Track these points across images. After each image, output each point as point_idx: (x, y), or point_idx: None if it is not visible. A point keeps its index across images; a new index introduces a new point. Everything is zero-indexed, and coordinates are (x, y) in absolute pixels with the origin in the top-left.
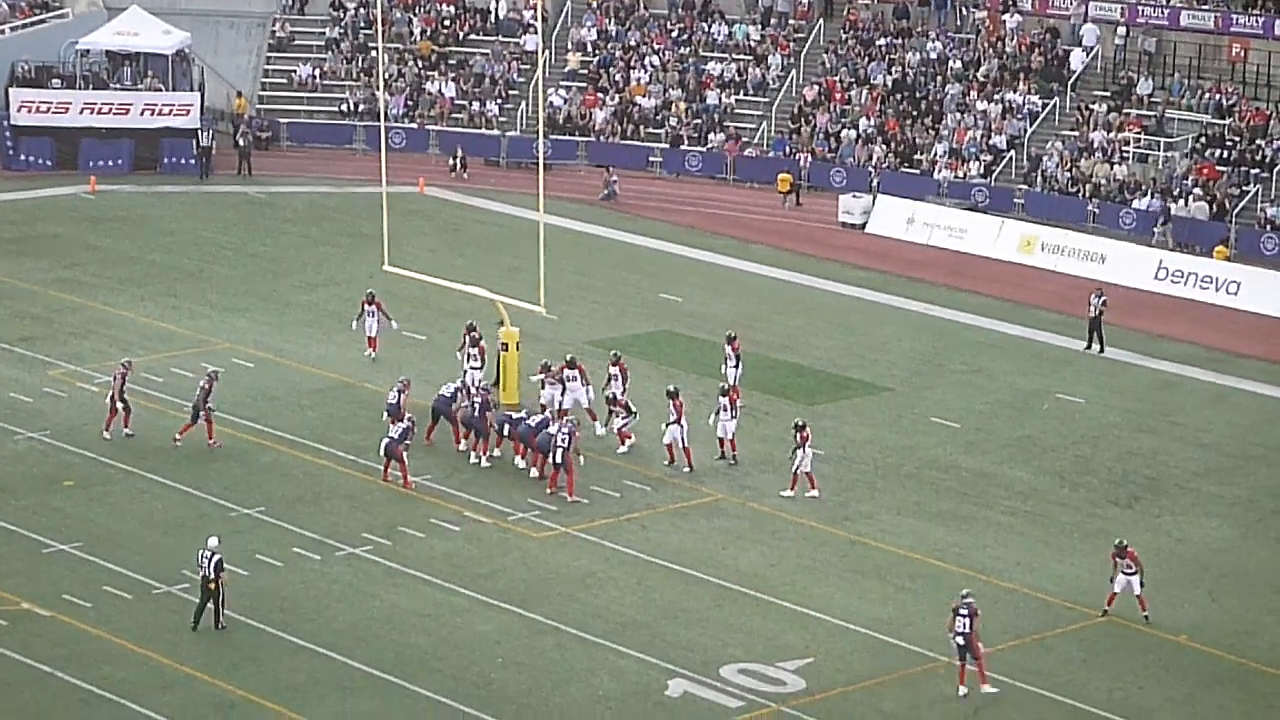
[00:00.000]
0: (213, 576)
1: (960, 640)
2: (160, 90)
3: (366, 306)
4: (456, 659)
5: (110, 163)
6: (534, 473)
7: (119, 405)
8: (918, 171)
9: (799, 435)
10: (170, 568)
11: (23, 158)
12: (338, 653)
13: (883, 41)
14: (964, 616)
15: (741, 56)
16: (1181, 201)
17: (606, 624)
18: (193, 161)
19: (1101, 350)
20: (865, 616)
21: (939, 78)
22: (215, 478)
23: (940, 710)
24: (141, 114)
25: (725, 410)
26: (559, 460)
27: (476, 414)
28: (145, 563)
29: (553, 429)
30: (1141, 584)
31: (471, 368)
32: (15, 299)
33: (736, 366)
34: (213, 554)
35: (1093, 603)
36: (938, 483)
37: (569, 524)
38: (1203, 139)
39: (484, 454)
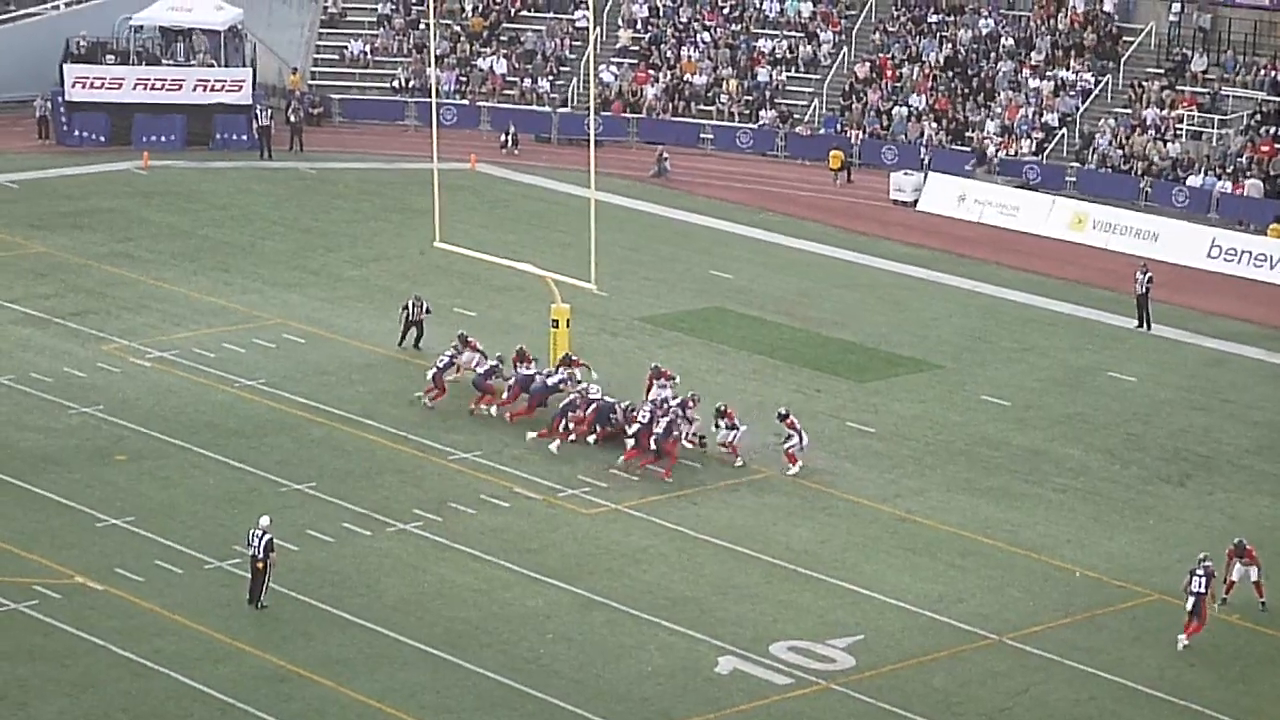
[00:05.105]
0: (262, 556)
1: (1193, 599)
2: (213, 66)
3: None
4: (506, 634)
5: (163, 138)
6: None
7: (440, 384)
8: (969, 149)
9: (784, 423)
10: (221, 542)
11: (77, 133)
12: (388, 627)
13: (935, 18)
14: (1200, 576)
15: (793, 33)
16: (1232, 180)
17: (656, 600)
18: (245, 138)
19: (1148, 327)
20: (916, 593)
21: (991, 54)
22: (266, 452)
23: (990, 687)
24: (194, 90)
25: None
26: (658, 449)
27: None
28: (197, 537)
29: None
30: (1260, 573)
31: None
32: (69, 273)
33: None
34: (264, 533)
35: (1144, 580)
36: (988, 460)
37: (619, 500)
38: (1258, 116)
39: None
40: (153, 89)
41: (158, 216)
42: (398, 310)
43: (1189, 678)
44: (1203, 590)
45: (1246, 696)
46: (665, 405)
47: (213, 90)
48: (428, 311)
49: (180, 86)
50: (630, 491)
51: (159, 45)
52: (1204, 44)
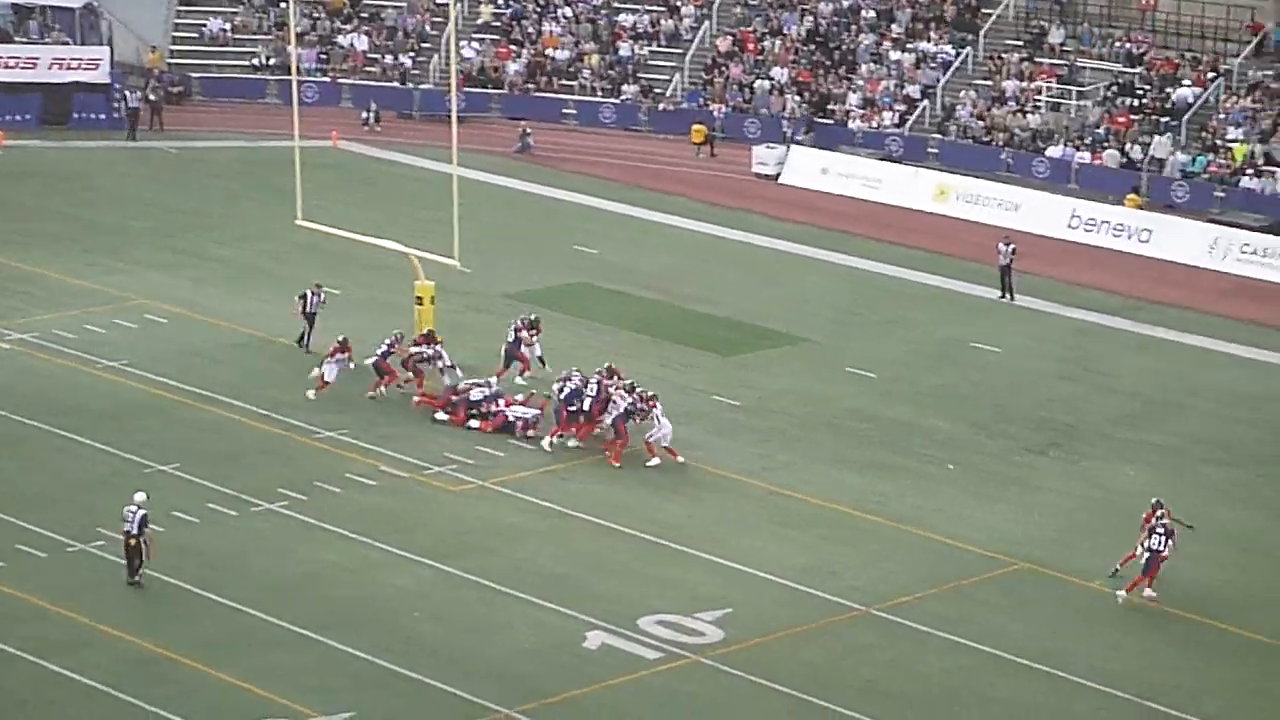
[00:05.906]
0: (136, 533)
1: (1147, 555)
2: (68, 44)
3: (338, 354)
4: (376, 613)
5: (18, 117)
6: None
7: (388, 369)
8: (831, 122)
9: (647, 403)
10: (86, 525)
11: None
12: (256, 608)
13: None
14: (1159, 535)
15: (654, 7)
16: (1090, 151)
17: (525, 576)
18: (104, 117)
19: (1011, 298)
20: (785, 567)
21: (852, 27)
22: (130, 434)
23: (859, 659)
24: (50, 68)
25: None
26: (614, 427)
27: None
28: (60, 520)
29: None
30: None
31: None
32: None
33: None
34: (139, 509)
35: (1011, 550)
36: (857, 432)
37: (487, 477)
38: (1114, 88)
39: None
40: (6, 67)
41: (17, 197)
42: (294, 299)
43: (1057, 645)
44: (1159, 549)
45: (1114, 662)
46: (642, 393)
47: (69, 69)
48: (322, 302)
49: (35, 65)
50: (498, 469)
51: (11, 22)
52: (1061, 16)
